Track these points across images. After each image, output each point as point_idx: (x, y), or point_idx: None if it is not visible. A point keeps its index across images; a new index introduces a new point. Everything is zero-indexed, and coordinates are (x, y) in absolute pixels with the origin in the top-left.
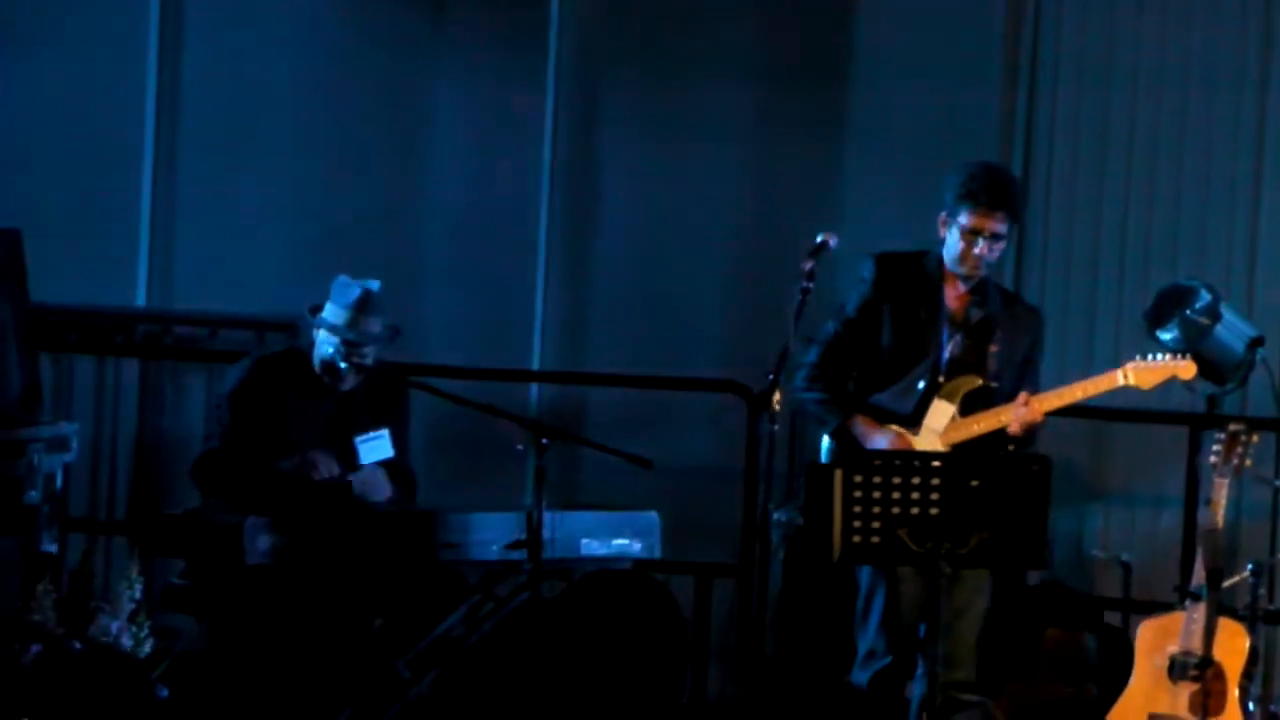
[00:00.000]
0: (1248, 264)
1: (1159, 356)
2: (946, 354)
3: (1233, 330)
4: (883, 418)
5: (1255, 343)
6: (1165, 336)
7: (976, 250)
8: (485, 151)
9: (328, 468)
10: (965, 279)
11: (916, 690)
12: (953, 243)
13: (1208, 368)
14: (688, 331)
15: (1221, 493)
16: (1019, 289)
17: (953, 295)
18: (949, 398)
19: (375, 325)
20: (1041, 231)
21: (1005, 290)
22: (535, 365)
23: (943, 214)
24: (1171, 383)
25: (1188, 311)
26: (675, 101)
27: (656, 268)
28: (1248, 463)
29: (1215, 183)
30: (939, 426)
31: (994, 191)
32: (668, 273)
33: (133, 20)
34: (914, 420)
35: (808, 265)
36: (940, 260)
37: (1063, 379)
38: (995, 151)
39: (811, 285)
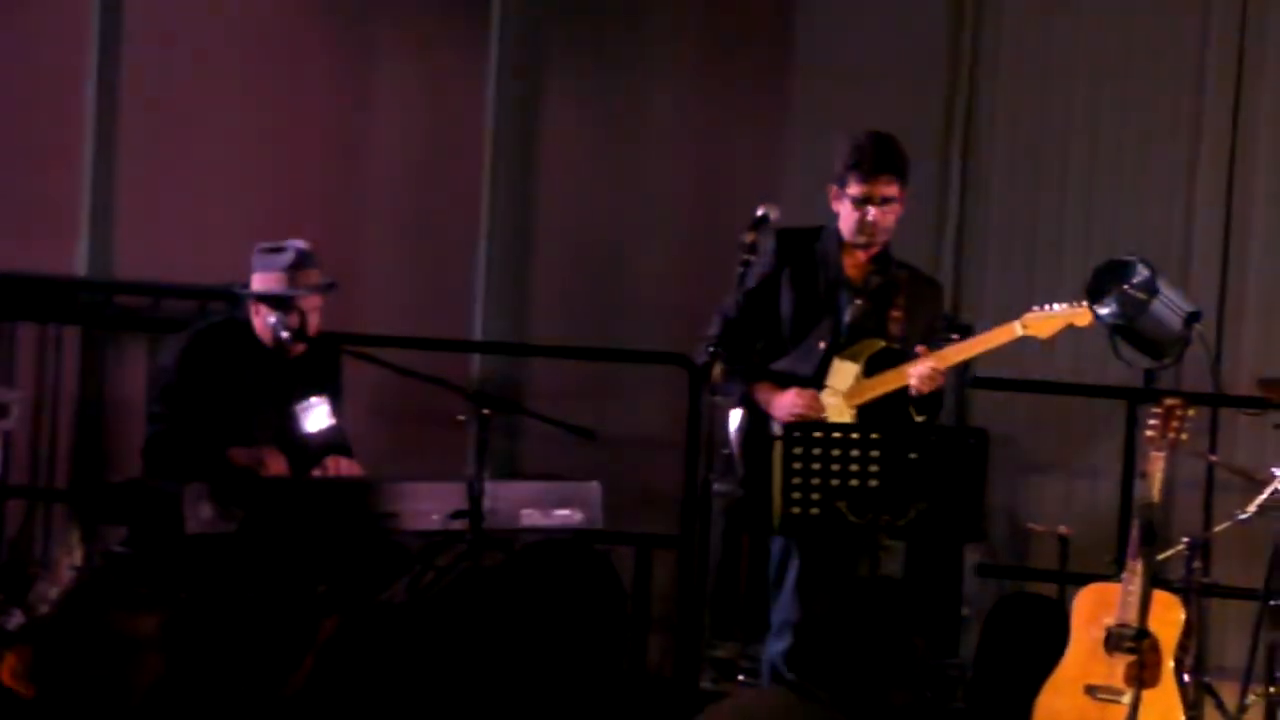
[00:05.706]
0: (1183, 254)
1: (1054, 306)
2: (847, 317)
3: (1170, 305)
4: (785, 382)
5: (1192, 318)
6: (1103, 311)
7: (870, 217)
8: (428, 121)
9: (276, 464)
10: (864, 248)
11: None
12: (846, 213)
13: (1145, 343)
14: (631, 302)
15: (1158, 466)
16: (959, 282)
17: (851, 264)
18: (853, 359)
19: (313, 278)
20: (983, 225)
21: (906, 263)
22: (477, 335)
23: (833, 187)
24: (1108, 357)
25: (1125, 286)
26: (618, 72)
27: (600, 239)
28: (1184, 437)
29: (1153, 175)
30: (842, 386)
31: (879, 156)
32: (612, 244)
33: None
34: (815, 381)
35: (748, 238)
36: (838, 233)
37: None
38: (937, 143)
39: (753, 258)
